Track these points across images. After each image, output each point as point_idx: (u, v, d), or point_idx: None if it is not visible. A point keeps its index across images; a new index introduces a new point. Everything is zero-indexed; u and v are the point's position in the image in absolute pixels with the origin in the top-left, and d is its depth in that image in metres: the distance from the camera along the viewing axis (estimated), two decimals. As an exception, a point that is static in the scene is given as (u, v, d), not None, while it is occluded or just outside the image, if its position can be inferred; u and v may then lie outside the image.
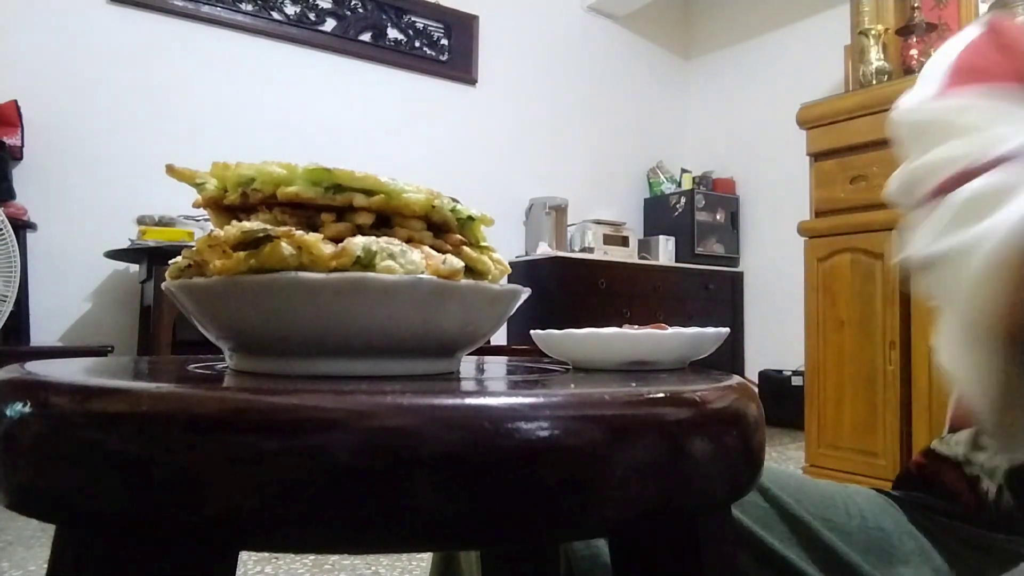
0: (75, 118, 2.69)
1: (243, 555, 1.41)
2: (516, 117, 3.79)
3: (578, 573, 0.52)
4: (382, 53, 3.36)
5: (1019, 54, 0.45)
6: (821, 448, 2.14)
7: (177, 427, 0.24)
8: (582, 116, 4.02)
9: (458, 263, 0.33)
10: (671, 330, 0.42)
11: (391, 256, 0.31)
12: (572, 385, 0.34)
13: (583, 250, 3.65)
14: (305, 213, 0.33)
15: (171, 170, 0.35)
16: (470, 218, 0.37)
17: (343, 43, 3.25)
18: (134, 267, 2.75)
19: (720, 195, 4.02)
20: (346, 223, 0.33)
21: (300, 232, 0.31)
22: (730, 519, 0.36)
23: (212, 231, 0.33)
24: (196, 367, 0.39)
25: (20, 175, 2.56)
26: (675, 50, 4.42)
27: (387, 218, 0.34)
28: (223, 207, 0.35)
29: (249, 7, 3.04)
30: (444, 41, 3.56)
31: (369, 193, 0.33)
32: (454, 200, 0.36)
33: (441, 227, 0.36)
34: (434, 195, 0.35)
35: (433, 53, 3.52)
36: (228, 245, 0.31)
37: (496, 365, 0.50)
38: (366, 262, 0.31)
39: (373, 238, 0.32)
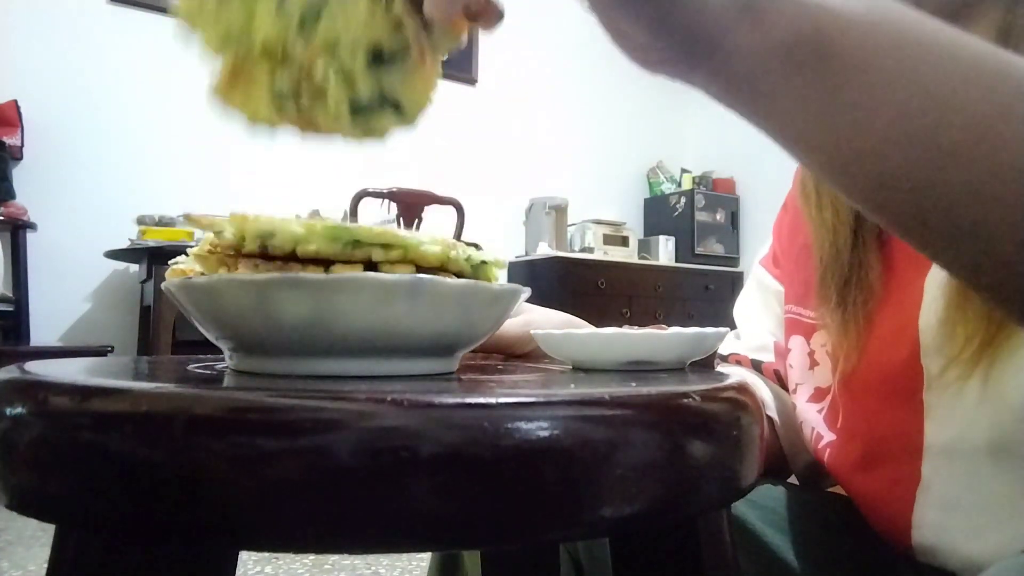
0: (75, 118, 2.69)
1: (243, 555, 1.41)
2: (516, 117, 3.78)
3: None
4: (382, 53, 3.35)
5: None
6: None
7: (177, 427, 0.24)
8: (582, 116, 4.01)
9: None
10: (671, 330, 0.42)
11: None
12: (572, 385, 0.34)
13: (583, 250, 3.65)
14: (323, 264, 0.33)
15: (189, 219, 0.36)
16: (483, 262, 0.37)
17: (343, 43, 3.25)
18: (134, 267, 2.75)
19: (720, 195, 4.02)
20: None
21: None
22: (730, 519, 0.36)
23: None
24: (196, 367, 0.39)
25: (20, 175, 2.57)
26: (675, 50, 4.42)
27: None
28: (241, 254, 0.35)
29: (249, 7, 3.04)
30: (444, 41, 3.55)
31: (387, 247, 0.33)
32: (472, 245, 0.36)
33: (457, 276, 0.36)
34: (450, 245, 0.35)
35: (433, 53, 3.52)
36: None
37: (496, 365, 0.50)
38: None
39: None
